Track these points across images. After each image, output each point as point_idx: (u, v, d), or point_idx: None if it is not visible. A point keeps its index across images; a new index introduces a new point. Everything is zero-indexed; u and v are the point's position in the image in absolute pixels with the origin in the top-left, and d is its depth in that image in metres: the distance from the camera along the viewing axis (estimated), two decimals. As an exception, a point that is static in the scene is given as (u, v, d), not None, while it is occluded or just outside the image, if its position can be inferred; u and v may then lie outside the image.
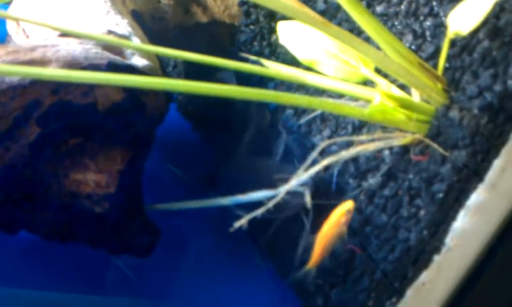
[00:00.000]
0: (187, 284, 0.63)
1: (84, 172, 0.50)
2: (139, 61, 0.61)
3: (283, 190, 0.50)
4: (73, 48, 0.52)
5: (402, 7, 0.61)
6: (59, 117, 0.48)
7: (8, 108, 0.44)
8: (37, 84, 0.46)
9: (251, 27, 0.79)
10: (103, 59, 0.52)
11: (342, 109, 0.50)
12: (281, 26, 0.60)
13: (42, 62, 0.48)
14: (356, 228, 0.58)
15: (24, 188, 0.48)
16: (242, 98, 0.47)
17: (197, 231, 0.66)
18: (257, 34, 0.78)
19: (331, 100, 0.53)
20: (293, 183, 0.49)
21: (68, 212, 0.50)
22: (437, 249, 0.53)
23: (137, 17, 0.75)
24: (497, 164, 0.51)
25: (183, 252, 0.64)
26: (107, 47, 0.56)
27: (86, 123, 0.50)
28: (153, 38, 0.72)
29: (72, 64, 0.50)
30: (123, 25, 0.67)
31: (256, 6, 0.78)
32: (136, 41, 0.65)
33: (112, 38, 0.53)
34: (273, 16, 0.75)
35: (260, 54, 0.76)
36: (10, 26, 0.68)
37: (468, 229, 0.53)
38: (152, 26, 0.77)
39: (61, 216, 0.49)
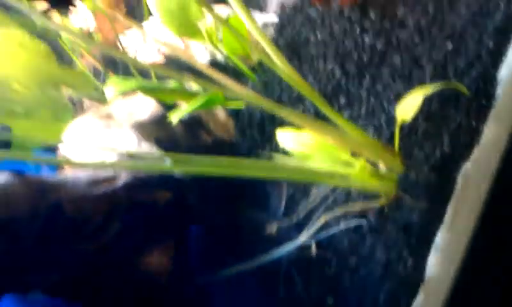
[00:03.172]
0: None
1: (150, 255, 0.66)
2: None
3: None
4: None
5: (363, 110, 0.84)
6: (132, 213, 0.65)
7: (100, 209, 0.62)
8: (115, 191, 0.65)
9: (247, 143, 1.00)
10: (154, 171, 0.71)
11: (332, 180, 0.70)
12: (279, 133, 0.81)
13: (114, 176, 0.67)
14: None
15: (111, 266, 0.64)
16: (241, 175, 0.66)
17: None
18: (252, 148, 0.98)
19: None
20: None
21: (140, 284, 0.65)
22: (421, 279, 0.70)
23: (158, 143, 0.96)
24: (451, 208, 0.70)
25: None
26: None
27: (149, 217, 0.67)
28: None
29: (136, 173, 0.69)
30: (153, 150, 0.87)
31: (250, 126, 1.00)
32: (167, 161, 0.85)
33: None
34: (263, 133, 0.95)
35: (254, 163, 0.94)
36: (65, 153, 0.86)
37: (439, 263, 0.71)
38: (168, 149, 0.98)
39: (135, 287, 0.65)
